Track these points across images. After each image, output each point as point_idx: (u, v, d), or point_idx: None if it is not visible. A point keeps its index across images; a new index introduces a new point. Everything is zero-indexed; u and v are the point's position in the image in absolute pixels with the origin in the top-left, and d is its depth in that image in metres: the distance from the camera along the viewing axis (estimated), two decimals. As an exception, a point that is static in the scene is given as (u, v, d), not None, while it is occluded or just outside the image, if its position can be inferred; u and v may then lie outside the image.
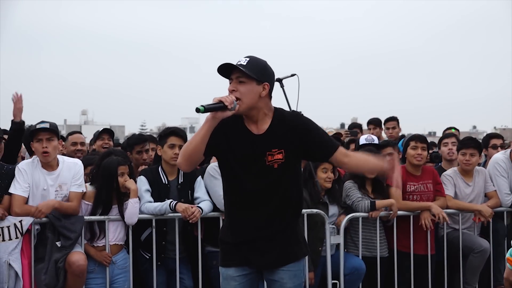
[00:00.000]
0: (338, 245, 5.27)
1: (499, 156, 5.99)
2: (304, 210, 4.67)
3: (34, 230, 4.64)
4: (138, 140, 5.84)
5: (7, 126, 5.47)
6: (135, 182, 4.87)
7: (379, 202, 5.30)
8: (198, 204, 4.91)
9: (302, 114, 3.39)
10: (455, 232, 5.63)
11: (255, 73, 3.15)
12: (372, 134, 6.99)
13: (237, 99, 3.15)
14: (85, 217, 4.70)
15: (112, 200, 4.77)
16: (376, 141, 6.09)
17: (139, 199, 4.83)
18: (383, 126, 8.40)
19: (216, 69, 3.21)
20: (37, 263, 4.60)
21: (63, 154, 5.80)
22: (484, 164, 6.33)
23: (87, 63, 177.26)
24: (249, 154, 3.20)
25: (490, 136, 6.69)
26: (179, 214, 4.79)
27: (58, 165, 4.72)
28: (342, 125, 57.35)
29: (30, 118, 5.40)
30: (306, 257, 3.49)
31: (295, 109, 5.08)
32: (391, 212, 5.33)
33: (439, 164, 6.33)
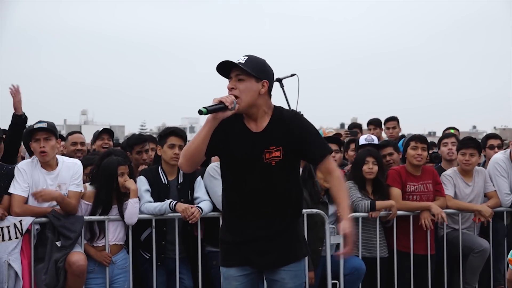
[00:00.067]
0: (338, 245, 5.27)
1: (499, 156, 5.99)
2: (304, 210, 4.67)
3: (34, 230, 4.64)
4: (138, 140, 5.85)
5: (7, 126, 5.44)
6: (135, 182, 4.88)
7: (379, 203, 5.30)
8: (198, 204, 4.91)
9: (301, 114, 3.40)
10: (455, 232, 5.63)
11: (254, 71, 3.16)
12: (372, 134, 6.99)
13: (236, 97, 3.16)
14: (85, 217, 4.70)
15: (112, 200, 4.77)
16: (376, 141, 6.09)
17: (139, 199, 4.83)
18: (383, 126, 8.41)
19: (215, 69, 3.22)
20: (37, 263, 4.60)
21: (63, 154, 5.81)
22: (484, 165, 6.33)
23: (87, 63, 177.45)
24: (248, 151, 3.21)
25: (488, 137, 6.69)
26: (179, 214, 4.79)
27: (57, 164, 4.72)
28: (342, 125, 57.33)
29: (30, 118, 5.37)
30: (307, 257, 3.48)
31: (295, 109, 5.09)
32: (391, 212, 5.33)
33: (439, 164, 6.33)
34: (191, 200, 4.98)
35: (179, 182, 5.01)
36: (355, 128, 8.79)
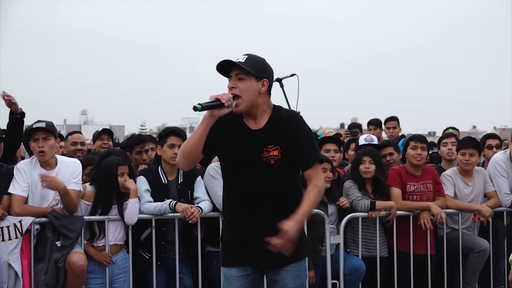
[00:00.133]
0: (338, 245, 5.27)
1: (499, 156, 5.99)
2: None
3: (33, 230, 4.64)
4: (138, 140, 5.85)
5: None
6: (135, 182, 4.88)
7: (379, 203, 5.30)
8: (197, 204, 4.91)
9: (300, 116, 3.39)
10: (454, 232, 5.63)
11: (254, 70, 3.17)
12: (372, 134, 6.99)
13: (237, 96, 3.16)
14: (84, 217, 4.70)
15: (112, 200, 4.77)
16: (375, 141, 6.09)
17: (139, 199, 4.83)
18: (383, 126, 8.41)
19: (215, 68, 3.22)
20: (37, 263, 4.60)
21: (63, 154, 5.81)
22: (483, 165, 6.33)
23: (87, 63, 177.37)
24: (247, 150, 3.21)
25: (486, 137, 6.69)
26: (179, 214, 4.79)
27: (56, 164, 4.72)
28: (342, 125, 57.36)
29: (30, 118, 5.36)
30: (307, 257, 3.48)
31: (294, 109, 5.09)
32: (391, 212, 5.34)
33: (439, 164, 6.33)
34: (191, 200, 4.98)
35: (179, 182, 5.01)
36: (355, 128, 8.80)
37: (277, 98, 4.00)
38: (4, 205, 4.59)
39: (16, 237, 4.55)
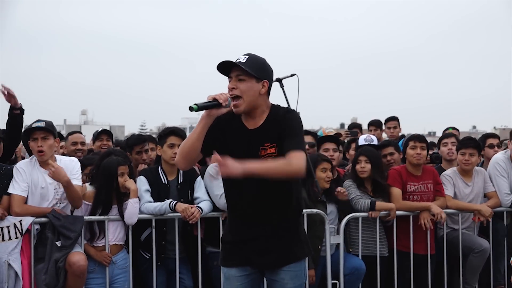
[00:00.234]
0: (338, 245, 5.27)
1: (499, 156, 5.99)
2: (304, 210, 4.67)
3: (33, 230, 4.64)
4: (137, 140, 5.85)
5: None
6: (135, 182, 4.88)
7: (379, 204, 5.30)
8: (198, 204, 4.92)
9: (295, 112, 3.38)
10: (454, 232, 5.63)
11: (254, 71, 3.16)
12: (373, 135, 6.99)
13: (237, 96, 3.16)
14: (84, 217, 4.70)
15: (112, 200, 4.77)
16: (375, 141, 6.10)
17: (139, 199, 4.83)
18: (383, 126, 8.41)
19: (215, 68, 3.22)
20: (37, 263, 4.60)
21: (63, 154, 5.81)
22: (482, 165, 6.33)
23: (87, 63, 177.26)
24: (244, 148, 3.22)
25: (487, 136, 6.69)
26: (179, 214, 4.80)
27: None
28: (342, 125, 57.37)
29: (30, 118, 5.35)
30: (307, 257, 3.47)
31: (294, 109, 5.09)
32: (390, 213, 5.34)
33: (439, 164, 6.34)
34: (191, 200, 4.99)
35: (179, 182, 5.01)
36: (355, 128, 8.80)
37: (277, 98, 4.00)
38: (4, 205, 4.59)
39: (16, 237, 4.55)
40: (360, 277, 5.24)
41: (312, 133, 7.08)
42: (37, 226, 4.66)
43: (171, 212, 4.82)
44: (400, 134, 8.37)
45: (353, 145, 6.70)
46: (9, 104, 5.05)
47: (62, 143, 6.34)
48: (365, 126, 9.12)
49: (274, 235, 3.25)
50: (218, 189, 4.89)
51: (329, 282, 5.13)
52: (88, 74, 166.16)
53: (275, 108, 3.31)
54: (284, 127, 3.20)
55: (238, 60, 3.18)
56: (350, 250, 5.36)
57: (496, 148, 6.34)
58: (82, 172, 4.84)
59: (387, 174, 5.54)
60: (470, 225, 5.73)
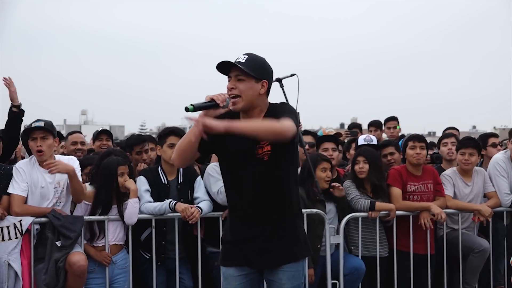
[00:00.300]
0: (337, 245, 5.27)
1: (499, 156, 6.00)
2: (304, 210, 4.67)
3: (33, 230, 4.64)
4: (137, 140, 5.85)
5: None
6: (135, 182, 4.88)
7: (379, 205, 5.30)
8: (197, 204, 4.92)
9: (288, 104, 3.37)
10: (454, 232, 5.64)
11: (254, 71, 3.16)
12: (373, 135, 6.99)
13: (237, 96, 3.16)
14: (84, 217, 4.70)
15: (111, 200, 4.77)
16: (374, 141, 6.10)
17: (139, 199, 4.83)
18: (383, 127, 8.42)
19: (215, 68, 3.22)
20: (36, 263, 4.60)
21: (63, 154, 5.81)
22: (481, 165, 6.33)
23: (87, 63, 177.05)
24: (242, 148, 3.21)
25: (488, 136, 6.70)
26: (179, 214, 4.80)
27: None
28: (342, 125, 57.40)
29: (30, 118, 5.36)
30: (306, 258, 3.46)
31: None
32: (390, 214, 5.34)
33: (439, 164, 6.33)
34: (191, 200, 4.99)
35: (179, 182, 5.01)
36: (355, 128, 8.80)
37: (277, 98, 3.99)
38: (4, 205, 4.59)
39: (16, 237, 4.55)
40: (360, 277, 5.24)
41: (312, 133, 7.08)
42: (37, 226, 4.66)
43: (171, 212, 4.82)
44: (400, 134, 8.38)
45: (353, 145, 6.70)
46: (8, 104, 5.07)
47: (62, 143, 6.34)
48: (365, 126, 9.12)
49: (273, 235, 3.25)
50: (216, 186, 4.90)
51: (329, 282, 5.13)
52: (88, 74, 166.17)
53: (272, 106, 3.31)
54: (277, 112, 3.20)
55: (237, 60, 3.17)
56: (352, 248, 5.36)
57: (499, 147, 6.35)
58: (82, 172, 4.84)
59: (388, 174, 5.54)
60: (470, 225, 5.73)
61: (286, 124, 3.03)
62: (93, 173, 4.87)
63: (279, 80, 5.03)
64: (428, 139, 6.10)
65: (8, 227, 4.53)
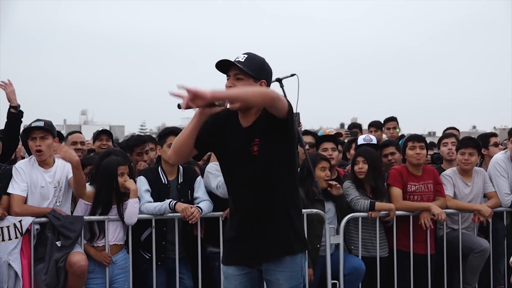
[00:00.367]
0: (337, 245, 5.27)
1: (499, 156, 6.00)
2: (303, 210, 4.67)
3: (33, 230, 4.64)
4: (138, 142, 5.84)
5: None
6: (135, 182, 4.88)
7: (379, 205, 5.29)
8: (197, 204, 4.92)
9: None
10: (454, 232, 5.64)
11: (252, 70, 3.16)
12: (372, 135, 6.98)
13: None
14: (84, 217, 4.70)
15: (111, 200, 4.77)
16: (374, 141, 6.10)
17: (139, 199, 4.83)
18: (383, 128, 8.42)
19: (214, 66, 3.22)
20: (37, 263, 4.60)
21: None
22: (481, 165, 6.33)
23: (87, 63, 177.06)
24: (238, 146, 3.22)
25: (489, 135, 6.70)
26: (179, 214, 4.79)
27: (54, 162, 4.74)
28: (342, 125, 57.40)
29: (30, 118, 5.36)
30: (306, 258, 3.45)
31: (294, 109, 5.09)
32: (389, 213, 5.34)
33: (439, 164, 6.33)
34: (191, 200, 4.99)
35: (179, 182, 5.01)
36: (355, 128, 8.80)
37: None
38: (4, 205, 4.59)
39: (16, 237, 4.55)
40: (360, 277, 5.24)
41: (312, 133, 7.08)
42: (37, 226, 4.66)
43: (171, 212, 4.82)
44: (399, 134, 8.37)
45: (353, 145, 6.70)
46: (7, 105, 5.07)
47: (63, 144, 6.33)
48: (365, 126, 9.11)
49: (268, 232, 3.23)
50: (215, 181, 4.92)
51: (329, 282, 5.13)
52: (88, 74, 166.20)
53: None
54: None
55: (237, 59, 3.18)
56: (352, 248, 5.35)
57: (500, 146, 6.36)
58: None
59: (388, 173, 5.54)
60: (470, 225, 5.73)
61: (269, 90, 3.01)
62: (93, 173, 4.87)
63: (279, 80, 5.03)
64: (428, 139, 6.10)
65: (8, 227, 4.53)
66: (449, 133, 6.82)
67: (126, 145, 5.93)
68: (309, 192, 5.18)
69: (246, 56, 3.20)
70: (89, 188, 4.81)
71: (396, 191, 5.43)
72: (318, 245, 5.17)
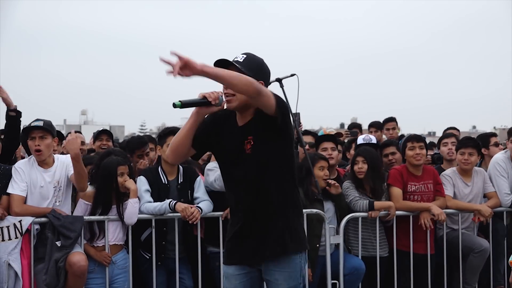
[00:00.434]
0: (337, 245, 5.27)
1: (499, 156, 6.01)
2: (303, 210, 4.67)
3: (33, 230, 4.64)
4: (139, 144, 5.82)
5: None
6: (135, 182, 4.88)
7: (378, 203, 5.30)
8: (197, 204, 4.92)
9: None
10: (454, 232, 5.63)
11: (250, 71, 3.15)
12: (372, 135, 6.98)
13: (232, 95, 3.15)
14: (84, 217, 4.70)
15: (111, 200, 4.77)
16: (374, 140, 6.10)
17: (139, 199, 4.83)
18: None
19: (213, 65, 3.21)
20: (37, 263, 4.61)
21: (62, 154, 5.80)
22: (481, 165, 6.34)
23: (87, 63, 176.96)
24: (234, 145, 3.22)
25: (488, 135, 6.71)
26: (179, 214, 4.80)
27: (53, 162, 4.74)
28: (342, 125, 57.43)
29: (30, 118, 5.36)
30: (306, 258, 3.44)
31: (295, 110, 5.10)
32: (390, 212, 5.34)
33: (439, 164, 6.33)
34: (191, 200, 4.99)
35: (179, 182, 5.01)
36: (354, 128, 8.80)
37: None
38: (4, 205, 4.60)
39: (16, 237, 4.55)
40: (359, 277, 5.24)
41: (312, 133, 7.08)
42: (37, 226, 4.66)
43: (171, 212, 4.82)
44: (399, 134, 8.38)
45: (353, 145, 6.70)
46: (4, 106, 5.08)
47: (63, 145, 6.33)
48: (365, 126, 9.12)
49: (266, 231, 3.23)
50: (212, 176, 4.94)
51: (329, 282, 5.13)
52: (88, 74, 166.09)
53: None
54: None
55: (235, 59, 3.17)
56: (350, 247, 5.36)
57: (500, 146, 6.36)
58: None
59: (388, 173, 5.54)
60: (470, 225, 5.73)
61: (254, 81, 2.96)
62: (93, 173, 4.87)
63: (279, 80, 5.03)
64: (428, 139, 6.10)
65: (8, 227, 4.53)
66: (449, 133, 6.82)
67: (127, 146, 5.91)
68: (308, 192, 5.18)
69: (244, 56, 3.20)
70: (89, 188, 4.81)
71: (396, 191, 5.43)
72: (318, 245, 5.17)
